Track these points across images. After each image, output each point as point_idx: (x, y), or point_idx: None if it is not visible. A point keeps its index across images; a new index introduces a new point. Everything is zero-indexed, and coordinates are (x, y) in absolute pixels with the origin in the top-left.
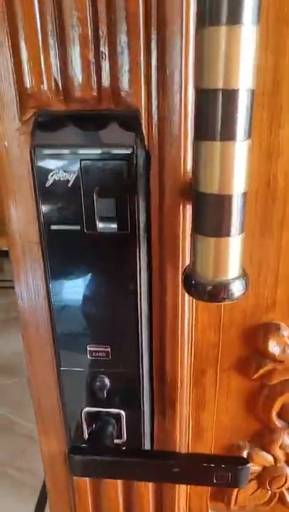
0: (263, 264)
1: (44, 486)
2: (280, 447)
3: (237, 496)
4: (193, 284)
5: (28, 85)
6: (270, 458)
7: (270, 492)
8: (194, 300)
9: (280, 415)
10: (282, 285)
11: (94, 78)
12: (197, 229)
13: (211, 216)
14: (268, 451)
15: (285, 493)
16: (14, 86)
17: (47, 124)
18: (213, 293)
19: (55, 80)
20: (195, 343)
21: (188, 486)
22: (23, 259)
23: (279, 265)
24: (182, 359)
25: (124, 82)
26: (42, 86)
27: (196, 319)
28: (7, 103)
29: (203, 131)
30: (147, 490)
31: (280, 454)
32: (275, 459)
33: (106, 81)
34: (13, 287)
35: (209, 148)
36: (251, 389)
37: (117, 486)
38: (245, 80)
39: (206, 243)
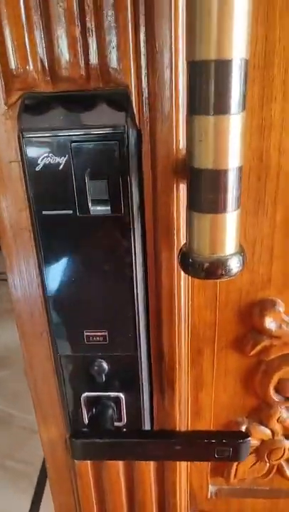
0: (257, 242)
1: (40, 476)
2: (278, 421)
3: (236, 469)
4: (190, 262)
5: (12, 66)
6: (268, 432)
7: (268, 464)
8: (190, 280)
9: (277, 390)
10: (276, 262)
11: (81, 56)
12: (193, 206)
13: (207, 192)
14: (266, 426)
15: (283, 464)
16: None
17: (34, 107)
18: (210, 270)
19: (41, 60)
20: (192, 323)
21: (189, 463)
22: (14, 247)
23: (273, 242)
24: (179, 340)
25: (113, 59)
26: (27, 66)
27: (192, 299)
28: None
29: (196, 106)
30: (148, 469)
31: (277, 428)
32: (273, 433)
33: (94, 59)
34: (5, 279)
35: (203, 122)
36: (248, 366)
37: (118, 468)
38: (238, 49)
39: (202, 220)
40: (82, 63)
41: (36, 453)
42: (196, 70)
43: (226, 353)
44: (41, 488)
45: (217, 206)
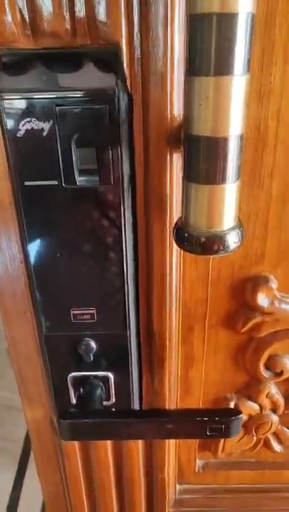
0: (252, 215)
1: (23, 453)
2: (267, 396)
3: (224, 444)
4: (185, 237)
5: None
6: (256, 407)
7: (255, 438)
8: (182, 255)
9: (267, 366)
10: (271, 236)
11: (66, 7)
12: (189, 177)
13: (205, 162)
14: (255, 401)
15: (270, 437)
16: None
17: (14, 65)
18: (207, 245)
19: (20, 10)
20: (183, 300)
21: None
22: None
23: (268, 216)
24: (170, 317)
25: (101, 12)
26: (5, 18)
27: (184, 275)
28: None
29: (196, 66)
30: (137, 447)
31: (266, 403)
32: (261, 408)
33: (80, 11)
34: None
35: (203, 84)
36: (239, 342)
37: (106, 446)
38: (245, 2)
39: (200, 191)
40: (67, 15)
41: (17, 430)
42: (197, 24)
43: (216, 330)
44: (24, 465)
45: (215, 177)
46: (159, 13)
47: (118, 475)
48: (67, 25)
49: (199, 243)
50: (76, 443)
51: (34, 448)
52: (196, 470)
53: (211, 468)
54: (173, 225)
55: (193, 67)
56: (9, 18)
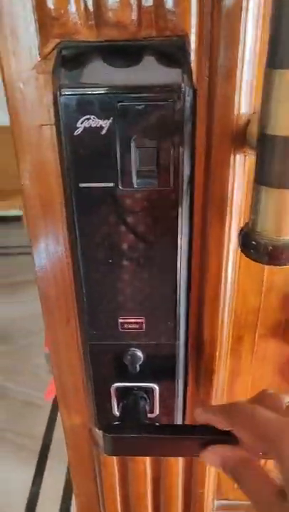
0: None
1: (42, 449)
2: None
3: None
4: (252, 244)
5: (51, 5)
6: None
7: None
8: (238, 263)
9: None
10: None
11: None
12: (261, 179)
13: (280, 164)
14: None
15: None
16: (32, 8)
17: (73, 59)
18: (274, 254)
19: (85, 1)
20: (235, 310)
21: None
22: (43, 223)
23: None
24: (222, 327)
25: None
26: (68, 7)
27: (238, 283)
28: (23, 31)
29: (278, 57)
30: (177, 461)
31: None
32: None
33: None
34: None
35: (284, 78)
36: (287, 353)
37: (146, 459)
38: None
39: (271, 196)
40: (134, 4)
41: (34, 426)
42: (285, 9)
43: (265, 340)
44: (44, 460)
45: None
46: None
47: (155, 488)
48: (134, 16)
49: (267, 252)
50: None
51: (70, 456)
52: (235, 486)
53: None
54: (231, 232)
55: (275, 59)
56: (72, 8)
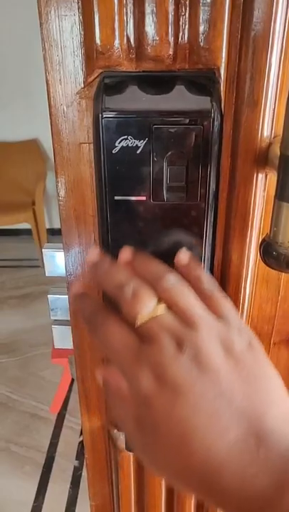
0: None
1: (46, 462)
2: None
3: None
4: (273, 254)
5: (98, 41)
6: None
7: None
8: (257, 273)
9: None
10: None
11: (171, 33)
12: (282, 196)
13: None
14: None
15: None
16: (81, 42)
17: (114, 86)
18: None
19: (128, 37)
20: (251, 318)
21: None
22: (75, 234)
23: None
24: None
25: (204, 38)
26: (114, 43)
27: (255, 293)
28: (70, 63)
29: None
30: None
31: None
32: None
33: (184, 37)
34: (5, 266)
35: None
36: None
37: None
38: None
39: None
40: (171, 41)
41: (40, 438)
42: None
43: (279, 348)
44: (47, 474)
45: None
46: (259, 38)
47: (170, 490)
48: (170, 51)
49: (286, 261)
50: (131, 455)
51: (88, 458)
52: None
53: None
54: (252, 244)
55: None
56: (117, 43)
